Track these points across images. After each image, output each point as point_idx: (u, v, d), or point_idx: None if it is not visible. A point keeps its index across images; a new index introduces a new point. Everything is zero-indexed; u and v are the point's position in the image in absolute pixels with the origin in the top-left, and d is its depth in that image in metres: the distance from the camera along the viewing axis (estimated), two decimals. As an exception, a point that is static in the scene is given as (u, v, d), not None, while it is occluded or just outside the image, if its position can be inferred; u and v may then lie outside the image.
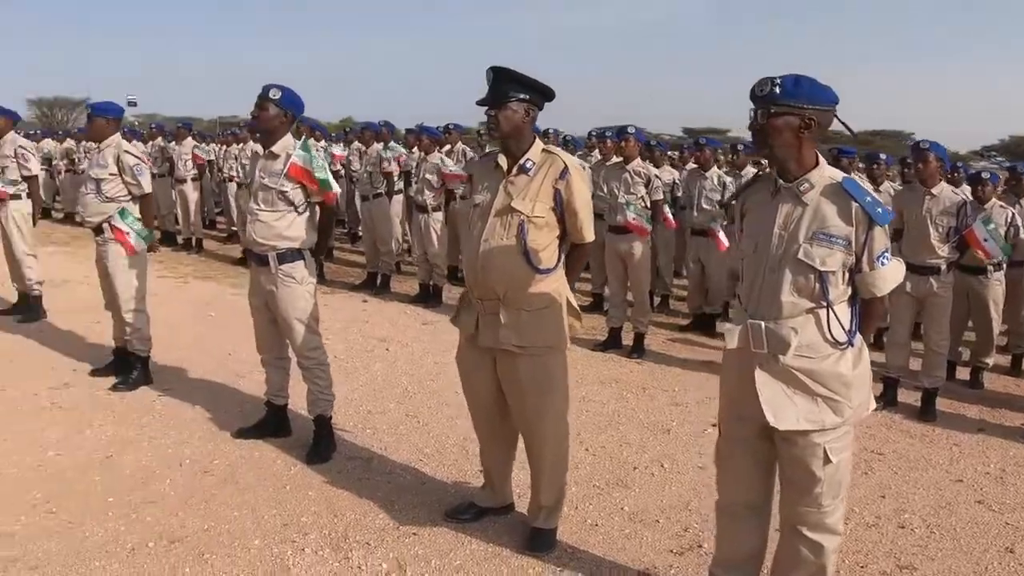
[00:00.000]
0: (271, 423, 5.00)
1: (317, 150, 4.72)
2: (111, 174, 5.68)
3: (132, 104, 41.77)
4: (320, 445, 4.75)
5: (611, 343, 7.38)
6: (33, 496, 4.13)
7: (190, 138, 12.03)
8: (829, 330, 2.76)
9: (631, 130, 7.36)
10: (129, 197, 5.75)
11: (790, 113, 2.70)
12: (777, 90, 2.69)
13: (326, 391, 4.77)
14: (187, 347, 6.81)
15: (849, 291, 2.81)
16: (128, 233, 5.68)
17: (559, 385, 3.66)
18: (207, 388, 5.87)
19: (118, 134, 5.88)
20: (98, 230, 5.74)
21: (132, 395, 5.64)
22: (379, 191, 9.42)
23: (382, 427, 5.26)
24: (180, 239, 12.43)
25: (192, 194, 11.87)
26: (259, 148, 4.71)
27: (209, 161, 12.76)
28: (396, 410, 5.61)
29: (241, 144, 11.32)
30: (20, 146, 7.62)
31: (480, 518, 3.97)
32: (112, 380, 5.82)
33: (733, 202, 3.09)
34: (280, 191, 4.54)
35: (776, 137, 2.73)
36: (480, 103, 3.54)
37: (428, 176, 8.64)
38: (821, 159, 2.81)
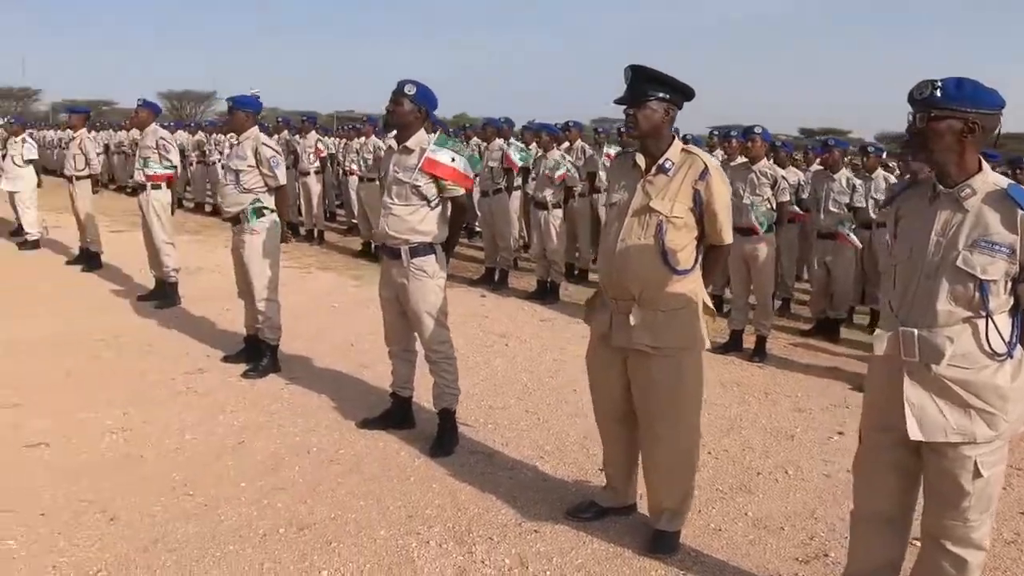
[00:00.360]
0: (396, 414, 5.08)
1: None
2: (249, 166, 5.89)
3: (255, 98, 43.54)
4: (444, 438, 4.80)
5: (732, 345, 7.20)
6: (172, 478, 4.31)
7: (313, 132, 12.37)
8: (987, 341, 2.62)
9: (758, 130, 7.15)
10: (265, 188, 5.95)
11: (952, 117, 2.58)
12: (938, 93, 2.58)
13: (452, 385, 4.81)
14: (311, 337, 7.01)
15: (1011, 301, 2.66)
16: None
17: (691, 387, 3.61)
18: (332, 378, 6.02)
19: (256, 127, 6.09)
20: (235, 220, 5.96)
21: (262, 382, 5.83)
22: (499, 187, 9.49)
23: (503, 422, 5.28)
24: (303, 230, 12.81)
25: (315, 186, 12.22)
26: (393, 143, 4.78)
27: (330, 155, 13.12)
28: (516, 406, 5.62)
29: (363, 139, 11.57)
30: (161, 138, 8.01)
31: (601, 517, 3.93)
32: (243, 367, 6.05)
33: (887, 207, 2.97)
34: (413, 185, 4.59)
35: (936, 141, 2.61)
36: (618, 102, 3.51)
37: (548, 173, 8.62)
38: (984, 164, 2.68)
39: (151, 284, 8.44)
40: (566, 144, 9.77)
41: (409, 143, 4.66)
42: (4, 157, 11.29)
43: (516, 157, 9.64)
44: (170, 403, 5.39)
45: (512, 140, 9.72)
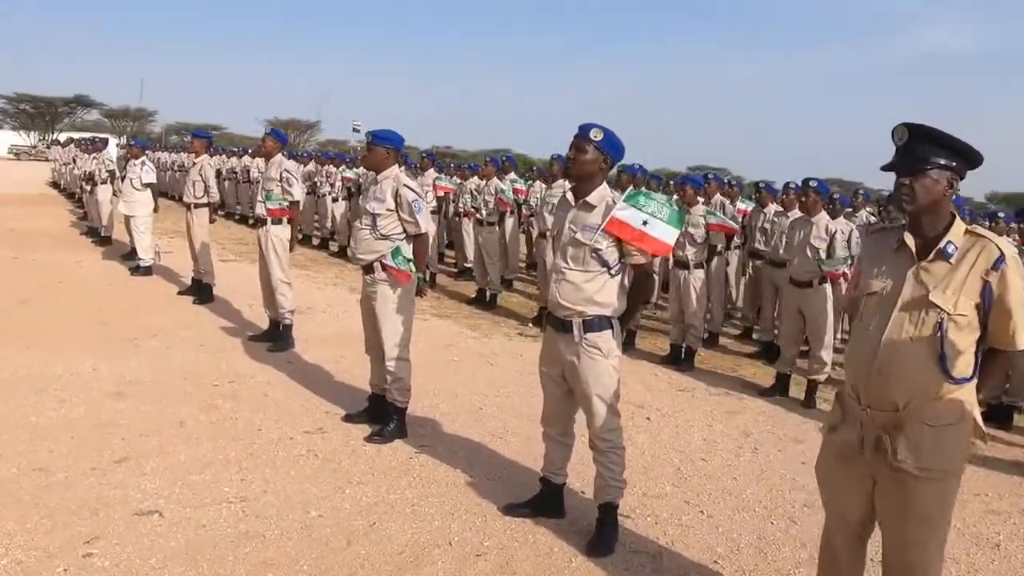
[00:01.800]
0: (545, 502, 4.40)
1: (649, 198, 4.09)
2: (388, 209, 5.35)
3: (356, 131, 43.95)
4: (604, 535, 4.11)
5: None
6: (299, 567, 3.70)
7: (432, 169, 11.94)
8: None
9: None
10: (404, 235, 5.40)
11: None
12: None
13: (618, 477, 4.11)
14: (435, 394, 6.40)
15: None
16: (404, 272, 5.34)
17: (948, 514, 2.90)
18: (465, 447, 5.37)
19: (396, 166, 5.55)
20: (368, 268, 5.42)
21: (389, 449, 5.22)
22: (492, 221, 9.32)
23: (663, 515, 4.56)
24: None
25: (431, 227, 11.72)
26: (570, 195, 4.14)
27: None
28: (673, 494, 4.88)
29: (484, 180, 11.08)
30: (286, 170, 7.58)
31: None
32: (366, 428, 5.46)
33: None
34: (594, 249, 3.95)
35: None
36: (887, 168, 2.84)
37: (691, 230, 7.90)
38: None
39: (263, 322, 8.00)
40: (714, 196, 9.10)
41: (591, 198, 4.02)
42: (123, 179, 11.13)
43: (509, 198, 10.73)
44: (290, 468, 4.81)
45: (510, 176, 9.46)
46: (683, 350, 8.12)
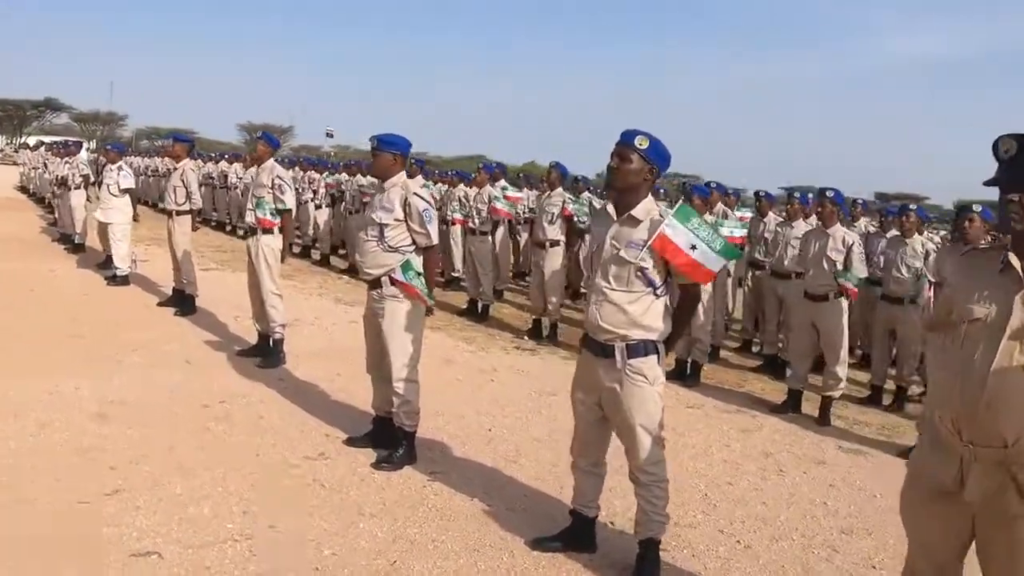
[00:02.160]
0: (576, 536, 4.06)
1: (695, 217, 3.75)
2: (396, 219, 4.97)
3: (329, 136, 43.38)
4: (645, 571, 3.79)
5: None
6: (318, 616, 3.32)
7: (420, 176, 11.55)
8: None
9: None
10: (413, 247, 5.02)
11: None
12: None
13: (662, 511, 3.78)
14: (440, 415, 5.99)
15: None
16: (416, 288, 4.96)
17: None
18: (479, 474, 4.99)
19: (404, 173, 5.17)
20: (375, 283, 5.03)
21: (399, 477, 4.82)
22: (485, 230, 10.11)
23: (699, 546, 4.26)
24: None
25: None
26: (611, 209, 3.79)
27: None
28: (705, 523, 4.57)
29: (476, 189, 10.72)
30: (278, 176, 7.17)
31: None
32: (370, 452, 5.08)
33: None
34: (639, 268, 3.61)
35: None
36: (992, 183, 2.55)
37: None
38: None
39: (251, 335, 7.58)
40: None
41: (636, 212, 3.69)
42: (99, 184, 10.62)
43: (504, 207, 10.38)
44: (297, 500, 4.41)
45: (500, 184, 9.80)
46: (688, 365, 7.81)
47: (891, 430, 6.82)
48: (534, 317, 9.41)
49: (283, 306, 7.29)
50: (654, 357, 3.68)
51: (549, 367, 7.96)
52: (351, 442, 5.26)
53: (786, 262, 8.05)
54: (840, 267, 6.78)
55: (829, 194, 7.00)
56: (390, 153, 5.04)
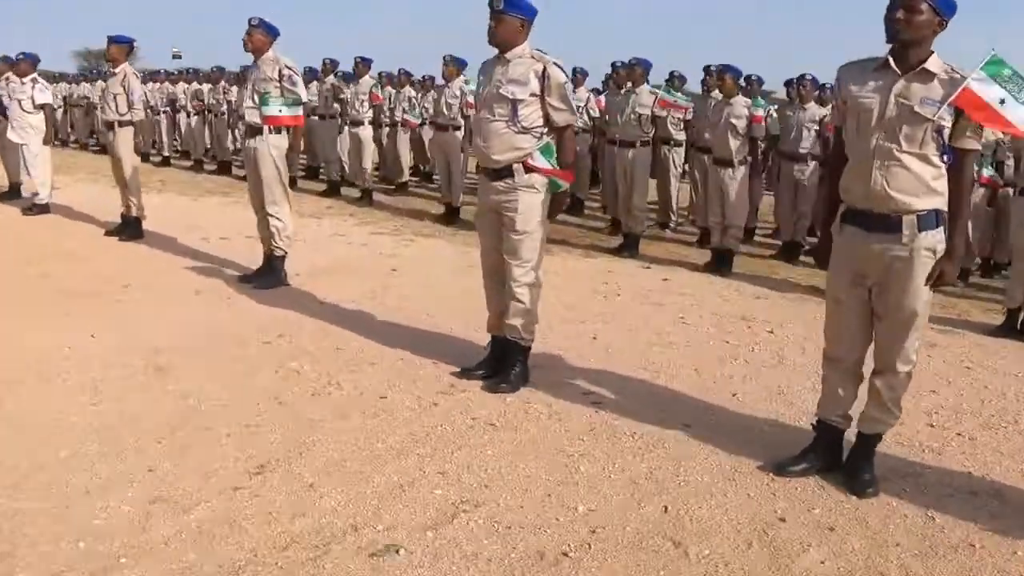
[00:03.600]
0: (828, 453, 3.36)
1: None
2: (532, 94, 3.89)
3: (177, 58, 39.01)
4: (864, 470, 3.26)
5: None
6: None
7: (368, 76, 10.15)
8: None
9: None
10: (545, 128, 3.99)
11: None
12: None
13: (899, 406, 3.27)
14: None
15: None
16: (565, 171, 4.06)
17: None
18: (635, 391, 4.18)
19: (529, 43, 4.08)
20: (500, 173, 3.96)
21: (560, 407, 3.90)
22: (458, 125, 8.91)
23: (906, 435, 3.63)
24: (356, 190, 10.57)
25: (369, 139, 10.03)
26: (893, 63, 2.96)
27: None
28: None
29: (446, 81, 9.50)
30: (287, 66, 5.82)
31: None
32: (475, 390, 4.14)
33: None
34: (938, 127, 2.96)
35: None
36: None
37: (734, 121, 6.87)
38: None
39: (237, 255, 6.42)
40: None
41: (930, 64, 2.97)
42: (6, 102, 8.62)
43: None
44: (483, 446, 3.43)
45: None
46: (725, 254, 7.17)
47: None
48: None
49: (290, 219, 6.04)
50: (942, 229, 3.02)
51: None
52: (466, 374, 4.26)
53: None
54: None
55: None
56: (516, 18, 3.93)
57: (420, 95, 11.19)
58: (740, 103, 6.90)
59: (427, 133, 10.88)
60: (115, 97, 7.27)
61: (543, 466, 3.29)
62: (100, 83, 13.97)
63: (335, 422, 3.62)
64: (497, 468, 3.25)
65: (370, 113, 10.01)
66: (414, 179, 12.00)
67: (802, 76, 7.77)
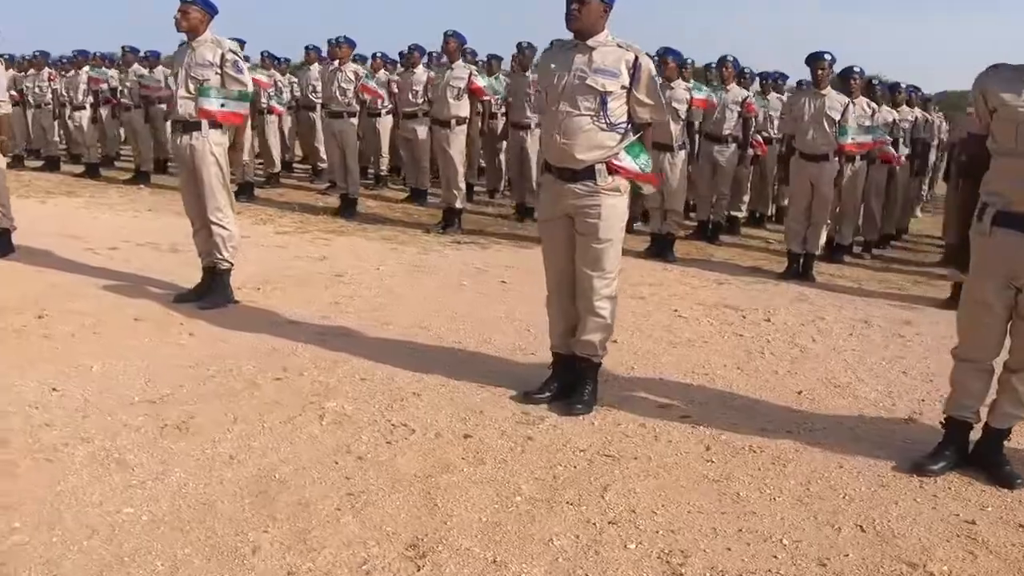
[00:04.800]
0: (961, 450, 3.23)
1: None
2: (623, 87, 3.42)
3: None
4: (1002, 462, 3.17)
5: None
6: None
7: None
8: None
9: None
10: (630, 124, 3.51)
11: None
12: None
13: None
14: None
15: None
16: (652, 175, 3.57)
17: None
18: (717, 398, 3.87)
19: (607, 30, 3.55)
20: (580, 174, 3.46)
21: (648, 427, 3.51)
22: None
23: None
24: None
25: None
26: None
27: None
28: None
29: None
30: (230, 50, 4.87)
31: None
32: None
33: None
34: None
35: None
36: None
37: (676, 105, 6.65)
38: None
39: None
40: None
41: None
42: None
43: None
44: (598, 485, 2.96)
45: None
46: (664, 240, 6.99)
47: None
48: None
49: (236, 226, 5.12)
50: None
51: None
52: (530, 398, 3.73)
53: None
54: None
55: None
56: (601, 2, 3.40)
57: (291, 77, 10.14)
58: (681, 87, 6.70)
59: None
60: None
61: (701, 496, 2.91)
62: None
63: (442, 476, 2.98)
64: (662, 507, 2.82)
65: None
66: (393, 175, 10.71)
67: (723, 58, 7.73)
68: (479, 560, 2.46)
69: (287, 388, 3.74)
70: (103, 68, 10.40)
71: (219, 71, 4.81)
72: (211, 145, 4.84)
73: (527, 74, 8.30)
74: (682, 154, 6.80)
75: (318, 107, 9.94)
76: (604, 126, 3.42)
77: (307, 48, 10.29)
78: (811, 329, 5.15)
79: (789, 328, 5.15)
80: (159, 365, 3.95)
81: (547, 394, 3.73)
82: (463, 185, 7.74)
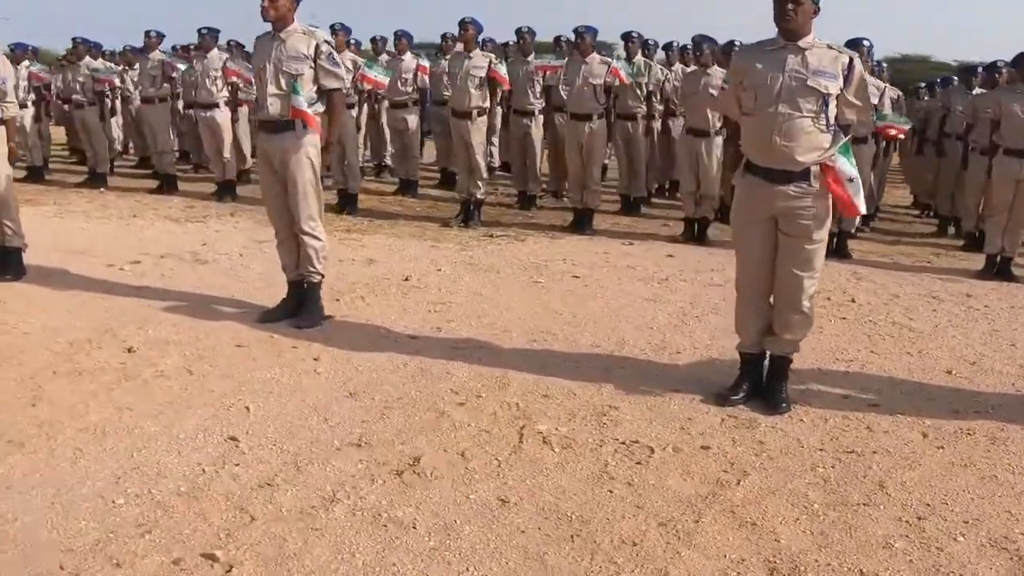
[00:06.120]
0: None
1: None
2: (841, 88, 3.32)
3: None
4: None
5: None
6: None
7: (216, 49, 8.23)
8: None
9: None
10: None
11: None
12: None
13: None
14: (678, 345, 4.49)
15: None
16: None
17: None
18: (873, 387, 3.86)
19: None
20: (793, 177, 3.34)
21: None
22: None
23: None
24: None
25: (227, 123, 8.21)
26: None
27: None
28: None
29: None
30: (326, 41, 4.39)
31: None
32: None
33: None
34: None
35: None
36: None
37: (712, 91, 6.59)
38: None
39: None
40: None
41: None
42: None
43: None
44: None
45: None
46: (696, 224, 6.97)
47: None
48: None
49: (326, 236, 4.68)
50: None
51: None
52: (724, 400, 3.60)
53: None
54: None
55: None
56: (812, 3, 3.27)
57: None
58: (718, 74, 6.64)
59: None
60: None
61: (967, 482, 2.97)
62: None
63: (726, 494, 2.83)
64: (947, 496, 2.85)
65: (225, 93, 8.13)
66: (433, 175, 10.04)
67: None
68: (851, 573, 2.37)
69: (479, 413, 3.45)
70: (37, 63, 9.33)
71: (312, 64, 4.34)
72: (306, 147, 4.38)
73: (529, 59, 8.05)
74: (718, 140, 6.75)
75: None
76: (823, 128, 3.32)
77: (397, 36, 9.41)
78: (896, 308, 5.25)
79: (875, 307, 5.23)
80: (317, 399, 3.55)
81: (741, 395, 3.64)
82: (486, 176, 7.41)
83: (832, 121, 3.35)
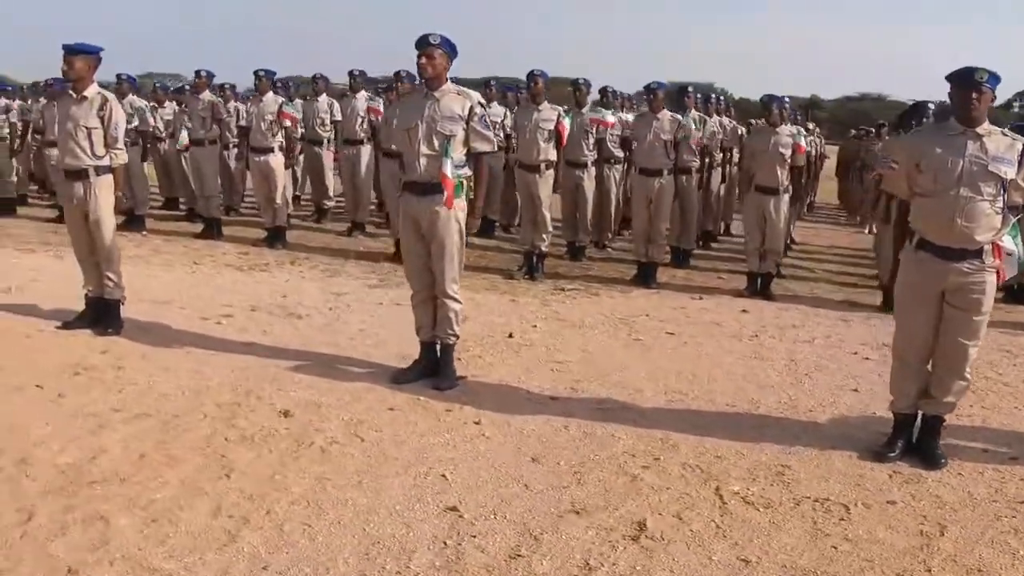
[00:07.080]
0: None
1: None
2: None
3: None
4: None
5: None
6: None
7: (271, 92, 8.33)
8: None
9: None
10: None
11: None
12: None
13: None
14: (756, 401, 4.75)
15: None
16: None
17: None
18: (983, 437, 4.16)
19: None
20: (967, 254, 3.67)
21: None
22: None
23: None
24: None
25: (280, 167, 8.31)
26: None
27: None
28: None
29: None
30: (480, 102, 4.58)
31: None
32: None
33: None
34: None
35: None
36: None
37: (782, 150, 6.96)
38: None
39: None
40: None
41: None
42: None
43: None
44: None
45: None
46: (760, 279, 7.30)
47: None
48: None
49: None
50: None
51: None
52: (880, 456, 3.87)
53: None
54: None
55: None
56: (991, 90, 3.64)
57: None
58: (785, 133, 7.02)
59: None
60: (90, 133, 5.11)
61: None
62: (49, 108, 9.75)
63: (937, 544, 3.07)
64: None
65: (280, 138, 8.21)
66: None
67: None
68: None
69: (668, 476, 3.61)
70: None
71: (465, 126, 4.49)
72: (455, 211, 4.52)
73: (584, 111, 8.28)
74: (786, 197, 7.10)
75: (325, 141, 9.53)
76: (999, 210, 3.64)
77: (314, 78, 9.70)
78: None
79: (832, 344, 5.66)
80: (504, 465, 3.67)
81: (896, 451, 3.90)
82: (551, 229, 7.62)
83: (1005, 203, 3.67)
